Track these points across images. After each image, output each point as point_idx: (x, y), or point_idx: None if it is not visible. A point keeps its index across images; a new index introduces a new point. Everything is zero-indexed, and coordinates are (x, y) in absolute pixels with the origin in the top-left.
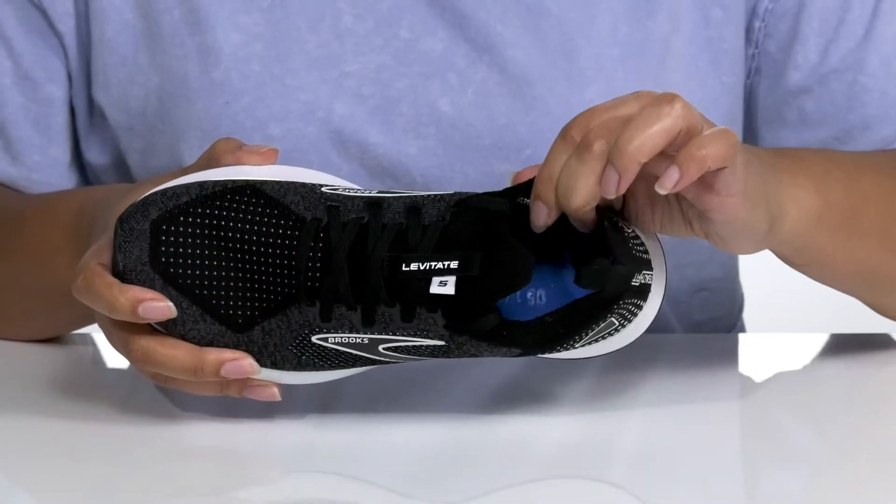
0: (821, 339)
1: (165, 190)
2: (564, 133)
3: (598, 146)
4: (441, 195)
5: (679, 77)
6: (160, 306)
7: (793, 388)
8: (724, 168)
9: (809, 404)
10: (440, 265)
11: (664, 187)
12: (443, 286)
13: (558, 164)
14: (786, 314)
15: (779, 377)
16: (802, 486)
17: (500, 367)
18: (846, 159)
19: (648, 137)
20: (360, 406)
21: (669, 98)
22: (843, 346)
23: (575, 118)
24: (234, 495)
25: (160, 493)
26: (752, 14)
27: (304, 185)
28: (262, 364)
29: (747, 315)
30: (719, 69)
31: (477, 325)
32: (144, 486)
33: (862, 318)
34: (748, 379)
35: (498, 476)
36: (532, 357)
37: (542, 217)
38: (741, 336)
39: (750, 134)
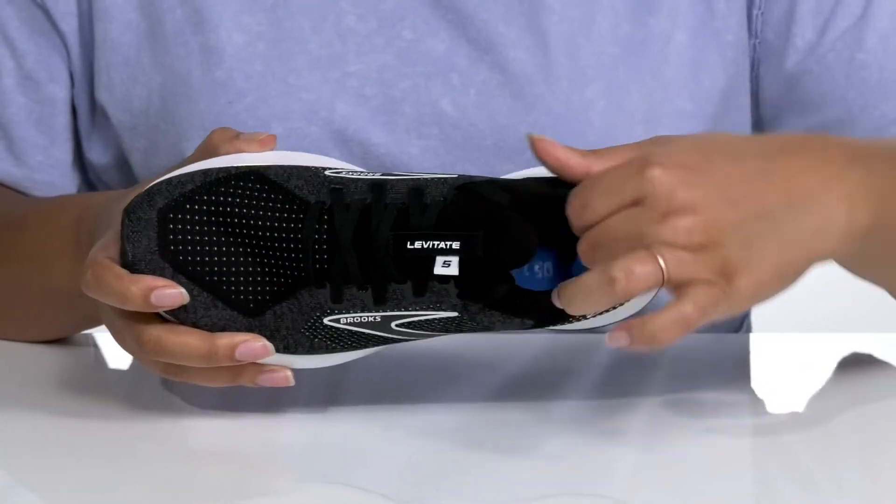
0: (828, 340)
1: (170, 179)
2: (570, 203)
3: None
4: (444, 178)
5: (681, 72)
6: (173, 293)
7: (800, 389)
8: None
9: (816, 405)
10: (443, 245)
11: (610, 344)
12: (446, 266)
13: None
14: (793, 314)
15: (785, 377)
16: (809, 486)
17: (504, 364)
18: None
19: (588, 310)
20: (364, 404)
21: (617, 267)
22: (852, 347)
23: (576, 195)
24: (238, 494)
25: (163, 491)
26: (750, 4)
27: (307, 168)
28: (275, 349)
29: (755, 314)
30: (725, 60)
31: (491, 292)
32: (147, 484)
33: (871, 318)
34: (753, 379)
35: (500, 475)
36: (539, 346)
37: None
38: (747, 336)
39: (759, 126)
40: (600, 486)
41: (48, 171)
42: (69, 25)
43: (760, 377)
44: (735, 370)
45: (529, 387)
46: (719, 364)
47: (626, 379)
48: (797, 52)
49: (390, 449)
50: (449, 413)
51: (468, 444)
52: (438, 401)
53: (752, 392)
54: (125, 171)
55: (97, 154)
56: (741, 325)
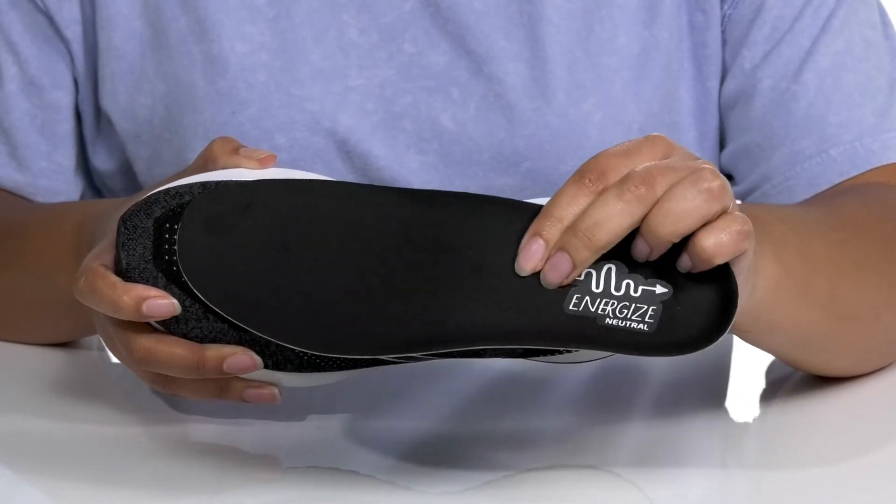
0: None
1: (168, 189)
2: (580, 177)
3: (645, 192)
4: None
5: (674, 84)
6: (164, 303)
7: (785, 387)
8: None
9: (804, 401)
10: None
11: (681, 268)
12: None
13: (572, 205)
14: None
15: (773, 375)
16: (798, 483)
17: (499, 363)
18: (797, 220)
19: (685, 225)
20: (360, 401)
21: (708, 175)
22: None
23: (588, 163)
24: (236, 492)
25: (160, 492)
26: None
27: None
28: (264, 364)
29: None
30: (703, 74)
31: None
32: (145, 484)
33: None
34: (742, 377)
35: (495, 470)
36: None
37: (536, 258)
38: (736, 336)
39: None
40: (600, 462)
41: (51, 176)
42: (73, 32)
43: (748, 375)
44: (724, 368)
45: (525, 382)
46: (709, 362)
47: (618, 376)
48: (742, 73)
49: (384, 435)
50: (446, 409)
51: (463, 428)
52: (435, 396)
53: (740, 390)
54: (130, 177)
55: (102, 160)
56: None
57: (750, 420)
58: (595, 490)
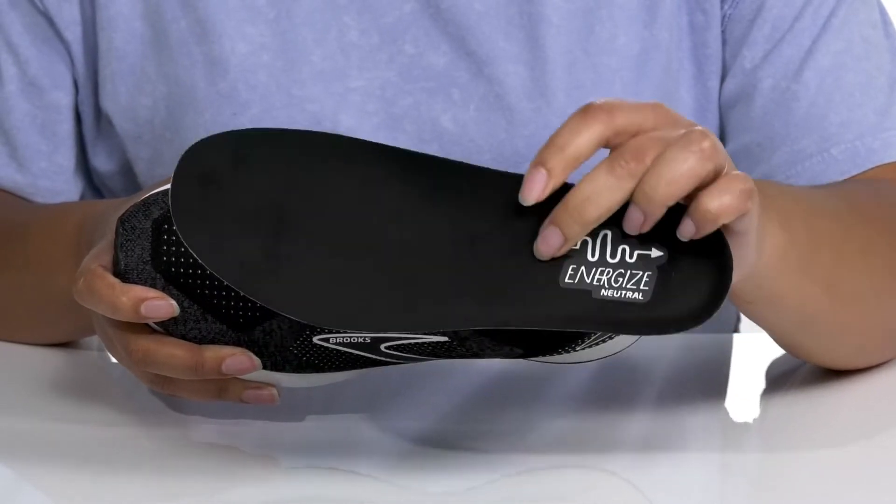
0: None
1: (166, 190)
2: (584, 109)
3: (636, 166)
4: None
5: (674, 84)
6: (162, 305)
7: (785, 387)
8: None
9: (805, 401)
10: None
11: (682, 236)
12: None
13: (576, 137)
14: None
15: (773, 375)
16: (798, 482)
17: (499, 363)
18: (802, 197)
19: (678, 187)
20: (360, 401)
21: (698, 136)
22: None
23: (595, 102)
24: (235, 492)
25: (160, 492)
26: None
27: None
28: (262, 365)
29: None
30: (704, 74)
31: None
32: (145, 484)
33: None
34: (742, 377)
35: (496, 469)
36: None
37: (538, 187)
38: (736, 336)
39: None
40: (600, 462)
41: (51, 177)
42: (73, 34)
43: (748, 376)
44: (723, 369)
45: (525, 382)
46: (708, 362)
47: (617, 376)
48: (743, 73)
49: (384, 434)
50: (445, 408)
51: (463, 428)
52: (434, 396)
53: (739, 390)
54: (130, 178)
55: (102, 161)
56: (736, 325)
57: (750, 419)
58: (595, 490)
